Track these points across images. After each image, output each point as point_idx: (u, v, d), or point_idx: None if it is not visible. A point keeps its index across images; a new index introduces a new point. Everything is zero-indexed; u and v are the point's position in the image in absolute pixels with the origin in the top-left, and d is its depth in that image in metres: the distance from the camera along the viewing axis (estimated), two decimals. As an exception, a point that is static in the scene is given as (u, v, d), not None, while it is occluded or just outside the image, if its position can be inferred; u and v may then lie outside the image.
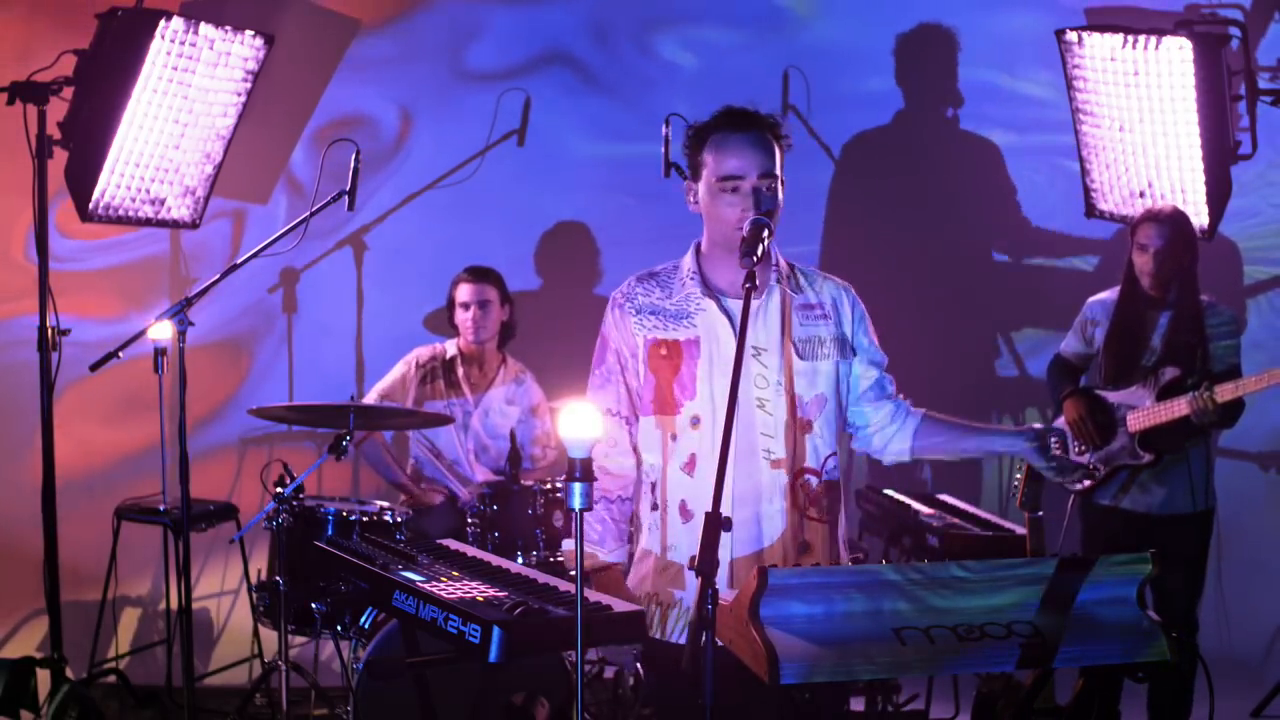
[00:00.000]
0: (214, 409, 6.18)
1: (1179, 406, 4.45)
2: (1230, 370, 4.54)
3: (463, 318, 5.42)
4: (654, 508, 3.15)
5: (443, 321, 5.64)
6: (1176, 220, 4.61)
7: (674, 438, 3.12)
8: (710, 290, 3.14)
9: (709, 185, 3.10)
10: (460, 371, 5.45)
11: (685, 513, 3.11)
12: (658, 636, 3.12)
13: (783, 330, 3.12)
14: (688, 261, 3.19)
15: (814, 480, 3.12)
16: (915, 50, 6.16)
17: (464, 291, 5.42)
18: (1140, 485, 4.64)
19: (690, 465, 3.10)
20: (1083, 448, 4.69)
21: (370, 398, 5.37)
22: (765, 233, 2.96)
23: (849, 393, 3.22)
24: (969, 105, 6.15)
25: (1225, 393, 4.37)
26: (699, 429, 3.10)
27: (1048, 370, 4.99)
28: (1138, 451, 4.59)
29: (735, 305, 3.03)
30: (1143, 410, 4.57)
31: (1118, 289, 4.73)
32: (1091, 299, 4.85)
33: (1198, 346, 4.55)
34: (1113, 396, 4.69)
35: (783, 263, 3.18)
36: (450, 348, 5.50)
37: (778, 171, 3.08)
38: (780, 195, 3.10)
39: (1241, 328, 4.69)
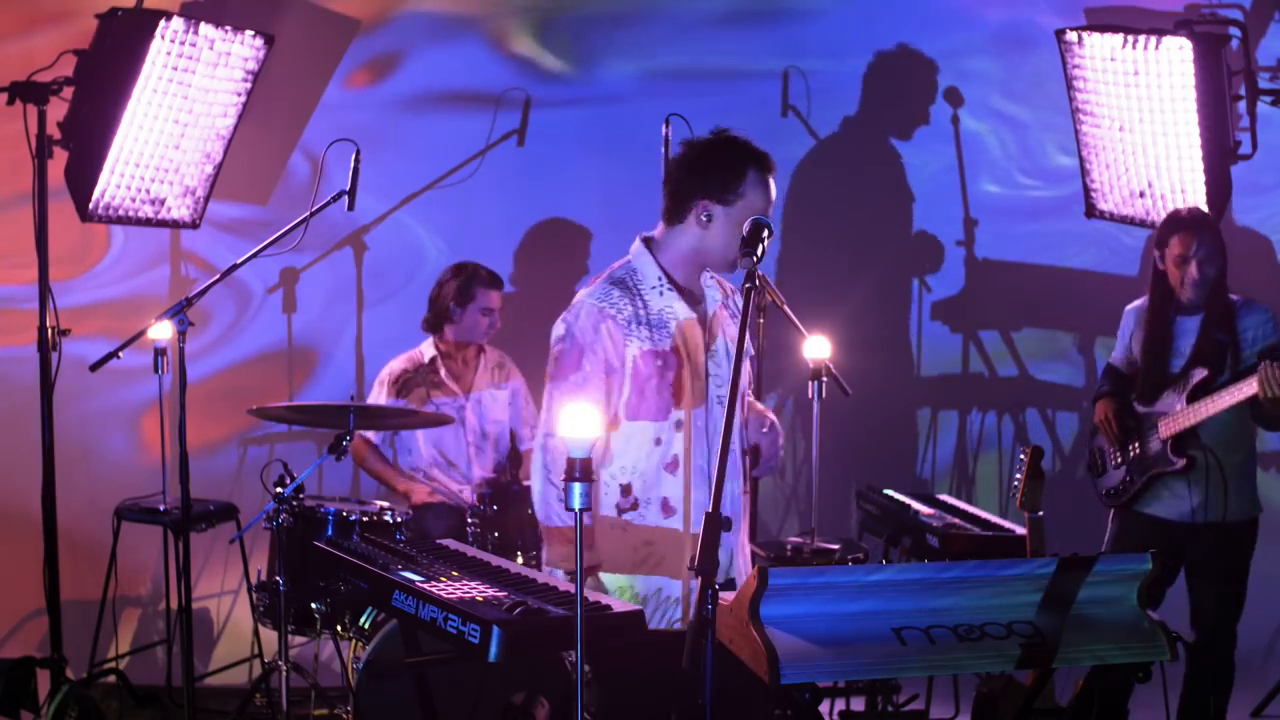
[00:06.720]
0: (214, 409, 6.18)
1: (1249, 387, 4.16)
2: (1270, 350, 4.35)
3: (479, 321, 5.44)
4: (632, 507, 3.34)
5: (441, 321, 5.63)
6: (1209, 224, 4.49)
7: (658, 442, 3.33)
8: (683, 298, 3.38)
9: (739, 214, 3.27)
10: (443, 371, 5.44)
11: (668, 509, 3.34)
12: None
13: (731, 331, 3.43)
14: (648, 268, 3.38)
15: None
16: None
17: (491, 298, 5.44)
18: (1173, 492, 4.49)
19: (673, 465, 3.35)
20: (1118, 459, 4.62)
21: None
22: (765, 232, 3.12)
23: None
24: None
25: None
26: (680, 431, 3.35)
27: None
28: (1170, 458, 4.44)
29: (699, 310, 3.40)
30: (1174, 414, 4.43)
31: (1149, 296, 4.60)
32: (1128, 306, 4.73)
33: (1228, 347, 4.41)
34: (1145, 408, 4.57)
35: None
36: (428, 350, 5.47)
37: None
38: None
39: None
